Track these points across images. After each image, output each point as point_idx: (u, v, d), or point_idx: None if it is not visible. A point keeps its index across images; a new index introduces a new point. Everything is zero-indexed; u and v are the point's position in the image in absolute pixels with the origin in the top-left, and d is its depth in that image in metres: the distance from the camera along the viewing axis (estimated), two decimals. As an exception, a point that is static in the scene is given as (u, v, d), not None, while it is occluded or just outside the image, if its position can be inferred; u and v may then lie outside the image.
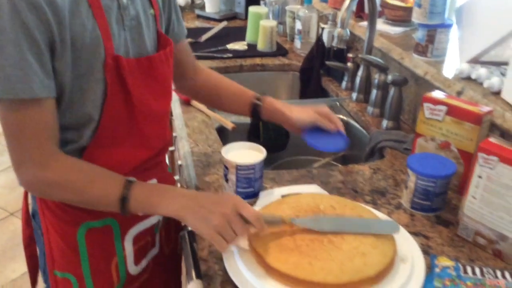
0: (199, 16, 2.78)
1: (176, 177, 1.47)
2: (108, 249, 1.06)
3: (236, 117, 1.55)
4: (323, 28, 1.92)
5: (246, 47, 2.22)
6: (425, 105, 1.16)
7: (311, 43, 2.00)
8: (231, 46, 2.21)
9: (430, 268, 0.90)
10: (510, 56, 1.16)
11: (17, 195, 2.99)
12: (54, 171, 0.88)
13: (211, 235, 0.86)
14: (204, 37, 2.29)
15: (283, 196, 1.08)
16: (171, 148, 1.50)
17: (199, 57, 1.99)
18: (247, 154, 1.11)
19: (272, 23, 2.17)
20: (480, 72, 1.27)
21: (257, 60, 2.10)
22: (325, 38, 1.88)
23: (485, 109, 1.10)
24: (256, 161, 1.07)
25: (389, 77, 1.46)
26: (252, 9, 2.28)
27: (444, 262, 0.90)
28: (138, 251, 1.11)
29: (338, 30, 1.56)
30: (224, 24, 2.46)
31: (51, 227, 1.03)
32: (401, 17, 1.77)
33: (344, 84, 1.82)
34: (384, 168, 1.27)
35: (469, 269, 0.89)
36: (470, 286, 0.84)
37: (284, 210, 0.98)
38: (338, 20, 1.54)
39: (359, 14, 1.96)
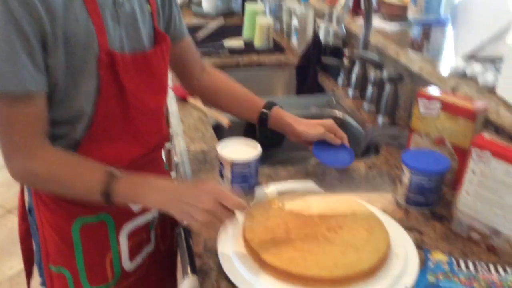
0: (195, 13, 2.78)
1: (173, 174, 1.47)
2: (102, 244, 1.07)
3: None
4: (319, 25, 1.93)
5: (242, 44, 2.23)
6: (420, 101, 1.16)
7: (307, 40, 2.00)
8: (227, 43, 2.22)
9: (423, 263, 0.90)
10: (505, 52, 1.16)
11: (14, 193, 2.97)
12: (40, 163, 0.89)
13: (199, 228, 0.89)
14: (201, 34, 2.29)
15: (278, 192, 1.08)
16: (167, 145, 1.51)
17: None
18: (242, 150, 1.11)
19: (268, 20, 2.17)
20: (475, 68, 1.28)
21: (254, 57, 2.11)
22: (321, 35, 1.89)
23: (480, 104, 1.10)
24: (251, 157, 1.08)
25: (385, 74, 1.47)
26: (248, 6, 2.28)
27: (437, 256, 0.91)
28: (133, 247, 1.12)
29: (333, 26, 1.56)
30: (220, 21, 2.46)
31: (46, 221, 1.04)
32: (397, 14, 1.77)
33: (340, 80, 1.83)
34: (379, 164, 1.28)
35: (462, 264, 0.89)
36: (464, 280, 0.85)
37: (279, 205, 0.99)
38: (334, 17, 1.55)
39: (355, 11, 1.96)
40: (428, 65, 1.40)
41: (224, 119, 1.55)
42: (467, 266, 0.89)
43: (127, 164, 1.01)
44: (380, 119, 1.50)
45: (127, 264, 1.12)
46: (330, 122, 1.22)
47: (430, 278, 0.85)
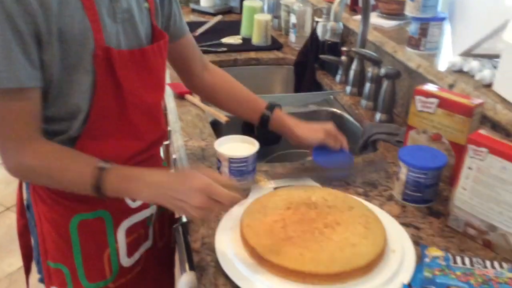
0: (194, 10, 2.78)
1: (171, 171, 1.48)
2: (100, 240, 1.07)
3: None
4: (317, 22, 1.93)
5: (240, 41, 2.23)
6: (417, 97, 1.16)
7: (305, 37, 2.00)
8: (225, 40, 2.22)
9: (420, 259, 0.91)
10: (502, 49, 1.17)
11: (13, 190, 2.96)
12: (32, 156, 0.90)
13: (194, 219, 0.90)
14: (199, 31, 2.29)
15: (275, 189, 1.09)
16: (165, 142, 1.51)
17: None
18: (240, 147, 1.12)
19: (266, 17, 2.17)
20: (472, 65, 1.28)
21: (252, 54, 2.11)
22: (319, 31, 1.89)
23: (476, 101, 1.10)
24: (248, 154, 1.08)
25: (382, 70, 1.47)
26: (247, 3, 2.28)
27: (434, 252, 0.91)
28: (131, 244, 1.12)
29: (331, 23, 1.57)
30: (219, 18, 2.46)
31: (44, 218, 1.04)
32: (395, 10, 1.78)
33: (338, 77, 1.83)
34: (376, 160, 1.28)
35: (458, 259, 0.90)
36: (460, 275, 0.85)
37: (276, 202, 0.99)
38: (332, 14, 1.55)
39: (353, 7, 1.96)
40: (425, 61, 1.40)
41: (222, 116, 1.55)
42: (463, 262, 0.89)
43: (125, 160, 1.01)
44: (378, 116, 1.51)
45: (125, 260, 1.12)
46: (330, 126, 1.22)
47: (427, 274, 0.86)
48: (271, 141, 1.59)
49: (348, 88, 1.72)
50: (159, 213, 1.19)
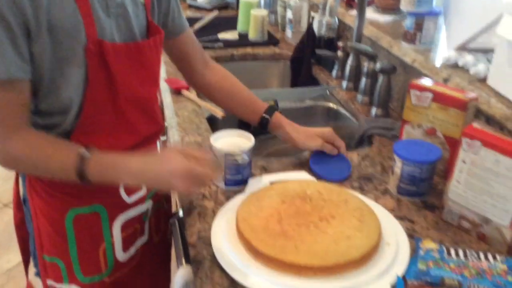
0: (190, 6, 2.78)
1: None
2: (96, 235, 1.08)
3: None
4: (313, 17, 1.93)
5: (237, 37, 2.23)
6: (412, 92, 1.17)
7: (302, 32, 2.00)
8: (222, 35, 2.22)
9: (415, 251, 0.91)
10: (496, 43, 1.17)
11: (11, 186, 2.97)
12: (16, 145, 0.90)
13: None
14: (196, 27, 2.29)
15: (271, 183, 1.10)
16: (163, 138, 1.51)
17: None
18: (236, 141, 1.12)
19: (263, 12, 2.17)
20: (467, 59, 1.29)
21: (248, 50, 2.11)
22: (315, 27, 1.89)
23: (471, 95, 1.11)
24: (244, 148, 1.09)
25: (378, 65, 1.48)
26: (243, -2, 2.28)
27: (428, 245, 0.92)
28: (127, 238, 1.13)
29: (326, 18, 1.57)
30: (215, 13, 2.46)
31: (39, 212, 1.05)
32: (391, 5, 1.78)
33: (334, 72, 1.83)
34: (372, 155, 1.29)
35: (452, 252, 0.90)
36: (453, 267, 0.86)
37: (272, 196, 1.00)
38: (327, 9, 1.55)
39: (349, 2, 1.96)
40: (420, 56, 1.41)
41: (218, 111, 1.56)
42: (457, 254, 0.90)
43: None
44: (374, 111, 1.51)
45: (121, 255, 1.12)
46: (328, 131, 1.22)
47: (421, 266, 0.86)
48: (267, 136, 1.59)
49: (344, 83, 1.72)
50: (155, 208, 1.20)
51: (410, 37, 1.47)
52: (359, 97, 1.61)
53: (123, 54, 0.96)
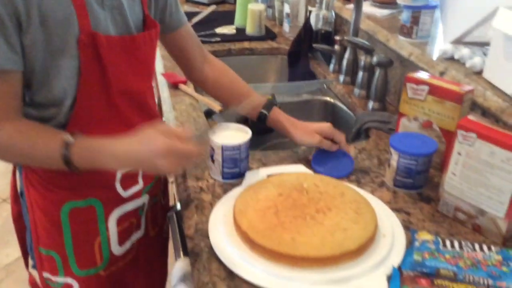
0: (187, 1, 2.78)
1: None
2: (91, 228, 1.08)
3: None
4: (310, 11, 1.93)
5: (234, 31, 2.23)
6: (408, 85, 1.17)
7: (299, 27, 2.01)
8: (219, 30, 2.22)
9: (410, 243, 0.92)
10: (492, 37, 1.18)
11: (9, 181, 2.99)
12: (4, 136, 0.90)
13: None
14: (193, 21, 2.29)
15: (268, 176, 1.10)
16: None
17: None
18: (233, 135, 1.13)
19: (260, 6, 2.17)
20: (463, 52, 1.29)
21: (246, 44, 2.11)
22: (312, 21, 1.89)
23: (466, 88, 1.12)
24: (241, 141, 1.09)
25: (375, 59, 1.48)
26: (240, -7, 2.28)
27: (424, 236, 0.93)
28: (122, 233, 1.13)
29: (323, 12, 1.57)
30: (212, 8, 2.46)
31: (35, 205, 1.05)
32: (388, -1, 1.79)
33: (331, 66, 1.84)
34: (369, 148, 1.30)
35: (448, 243, 0.91)
36: (449, 258, 0.87)
37: (269, 188, 1.01)
38: (324, 2, 1.55)
39: (346, -4, 1.97)
40: (417, 49, 1.41)
41: (216, 105, 1.56)
42: (452, 245, 0.91)
43: None
44: (371, 104, 1.52)
45: (116, 249, 1.13)
46: (327, 126, 1.21)
47: (416, 257, 0.87)
48: (265, 130, 1.60)
49: (341, 77, 1.73)
50: (151, 202, 1.20)
51: (406, 31, 1.48)
52: (356, 90, 1.62)
53: (118, 47, 0.96)
